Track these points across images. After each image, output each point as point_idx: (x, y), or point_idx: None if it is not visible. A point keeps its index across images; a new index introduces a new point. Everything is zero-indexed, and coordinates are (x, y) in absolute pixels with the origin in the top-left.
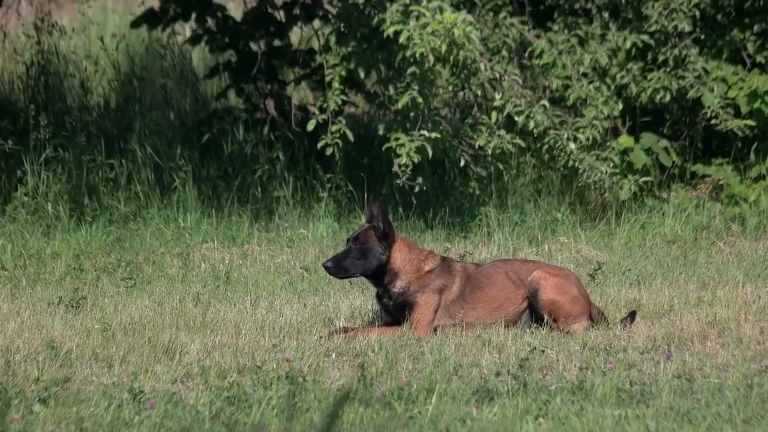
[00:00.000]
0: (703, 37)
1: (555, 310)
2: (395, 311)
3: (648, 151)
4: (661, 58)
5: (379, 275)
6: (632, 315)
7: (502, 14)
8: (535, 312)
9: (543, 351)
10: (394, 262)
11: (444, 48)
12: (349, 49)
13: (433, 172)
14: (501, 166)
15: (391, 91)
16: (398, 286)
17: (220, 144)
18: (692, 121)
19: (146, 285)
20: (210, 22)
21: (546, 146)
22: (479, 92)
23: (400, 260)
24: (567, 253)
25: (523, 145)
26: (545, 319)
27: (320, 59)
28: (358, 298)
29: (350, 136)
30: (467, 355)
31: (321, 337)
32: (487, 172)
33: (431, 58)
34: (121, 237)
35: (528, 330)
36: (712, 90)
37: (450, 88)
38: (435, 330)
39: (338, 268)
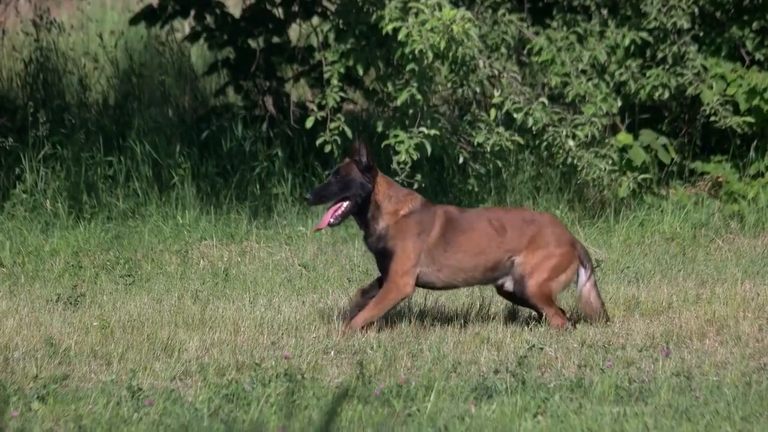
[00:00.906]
0: (701, 34)
1: (546, 293)
2: (379, 258)
3: (647, 149)
4: (660, 55)
5: (365, 208)
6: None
7: (501, 11)
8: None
9: (542, 349)
10: (377, 193)
11: (443, 45)
12: (348, 46)
13: (431, 169)
14: (500, 164)
15: (390, 88)
16: (380, 225)
17: (218, 141)
18: (691, 119)
19: (145, 282)
20: (209, 19)
21: (545, 143)
22: (478, 89)
23: (382, 193)
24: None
25: (521, 142)
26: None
27: (319, 56)
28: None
29: (349, 133)
30: (466, 353)
31: (324, 335)
32: (485, 170)
33: (430, 55)
34: (119, 234)
35: (527, 328)
36: (711, 87)
37: (449, 85)
38: (418, 278)
39: (318, 197)
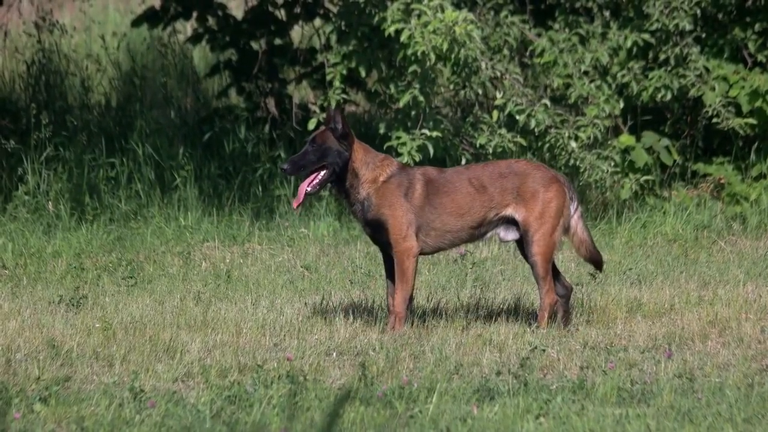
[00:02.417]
0: (704, 35)
1: (551, 247)
2: (371, 229)
3: (649, 150)
4: (662, 56)
5: (342, 177)
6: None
7: (503, 13)
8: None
9: (544, 350)
10: (354, 160)
11: (445, 46)
12: (350, 47)
13: None
14: None
15: (392, 89)
16: (361, 194)
17: (221, 142)
18: (693, 120)
19: (147, 284)
20: (211, 20)
21: (547, 145)
22: (480, 91)
23: (359, 160)
24: (568, 252)
25: (524, 143)
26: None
27: (321, 58)
28: (360, 297)
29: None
30: (468, 354)
31: (326, 336)
32: None
33: (432, 57)
34: (121, 236)
35: (529, 329)
36: (713, 89)
37: (451, 86)
38: (417, 235)
39: (295, 167)
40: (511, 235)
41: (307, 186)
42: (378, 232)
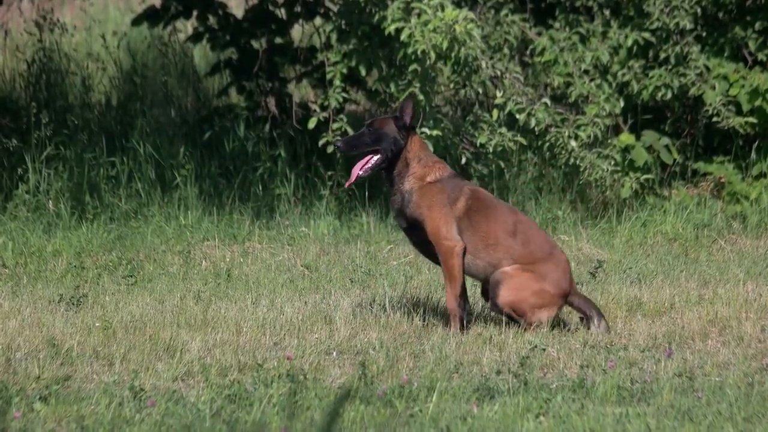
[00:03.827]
0: (704, 34)
1: (517, 307)
2: (410, 228)
3: (649, 149)
4: (662, 55)
5: (393, 164)
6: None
7: (504, 11)
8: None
9: (544, 349)
10: (409, 150)
11: (445, 45)
12: (351, 46)
13: None
14: (502, 164)
15: (393, 88)
16: (405, 186)
17: (221, 141)
18: (693, 119)
19: (147, 283)
20: (211, 19)
21: (547, 144)
22: (480, 90)
23: (413, 152)
24: (568, 251)
25: (524, 142)
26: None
27: (321, 57)
28: (360, 296)
29: (351, 133)
30: (468, 353)
31: (326, 335)
32: (488, 170)
33: (432, 56)
34: (122, 235)
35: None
36: (713, 88)
37: (451, 85)
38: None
39: (348, 146)
40: None
41: (360, 169)
42: (417, 231)
